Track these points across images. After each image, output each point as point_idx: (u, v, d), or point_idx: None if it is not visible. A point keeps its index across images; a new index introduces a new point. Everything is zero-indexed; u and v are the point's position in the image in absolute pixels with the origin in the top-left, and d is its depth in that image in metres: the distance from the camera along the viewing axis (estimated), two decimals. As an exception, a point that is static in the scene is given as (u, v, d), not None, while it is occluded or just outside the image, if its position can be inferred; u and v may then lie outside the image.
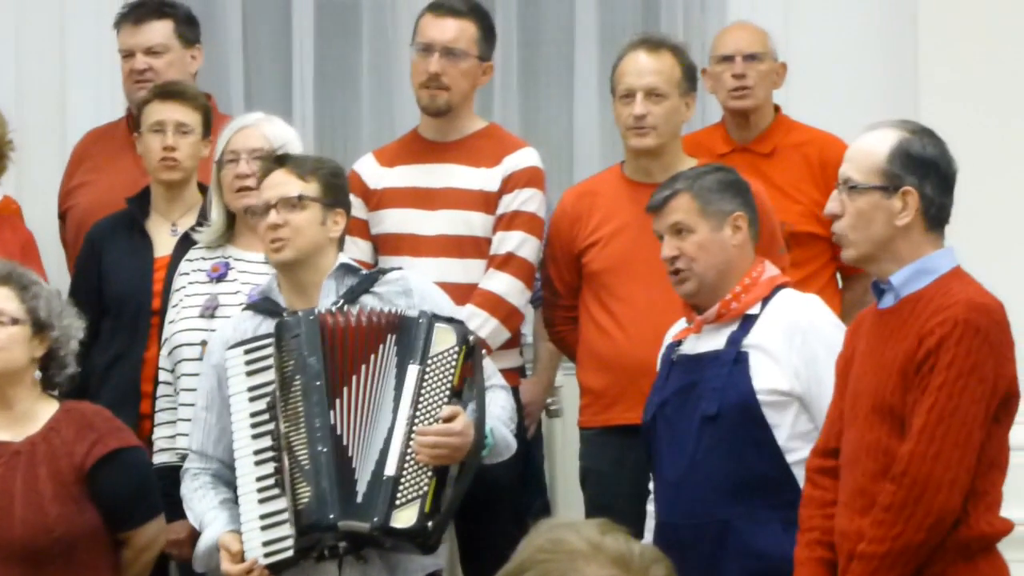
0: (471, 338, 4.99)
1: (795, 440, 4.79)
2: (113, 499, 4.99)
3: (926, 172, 4.45)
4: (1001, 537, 4.45)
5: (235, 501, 4.93)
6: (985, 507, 4.42)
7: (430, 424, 4.86)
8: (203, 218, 5.63)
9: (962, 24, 6.86)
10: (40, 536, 4.90)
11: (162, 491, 5.19)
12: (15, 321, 4.90)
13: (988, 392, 4.38)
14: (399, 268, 5.25)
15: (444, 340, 4.93)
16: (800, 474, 4.71)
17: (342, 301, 4.96)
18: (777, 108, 6.21)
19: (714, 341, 4.86)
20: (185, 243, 5.58)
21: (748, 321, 4.85)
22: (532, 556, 2.15)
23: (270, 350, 4.93)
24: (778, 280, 4.89)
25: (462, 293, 5.35)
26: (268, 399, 4.94)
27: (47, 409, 4.99)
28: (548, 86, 7.24)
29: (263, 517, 4.83)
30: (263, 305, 5.04)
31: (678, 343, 4.98)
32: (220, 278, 5.46)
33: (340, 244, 5.28)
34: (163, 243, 5.64)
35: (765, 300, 4.85)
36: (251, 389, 4.97)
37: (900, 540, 4.35)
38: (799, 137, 6.14)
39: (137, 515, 5.04)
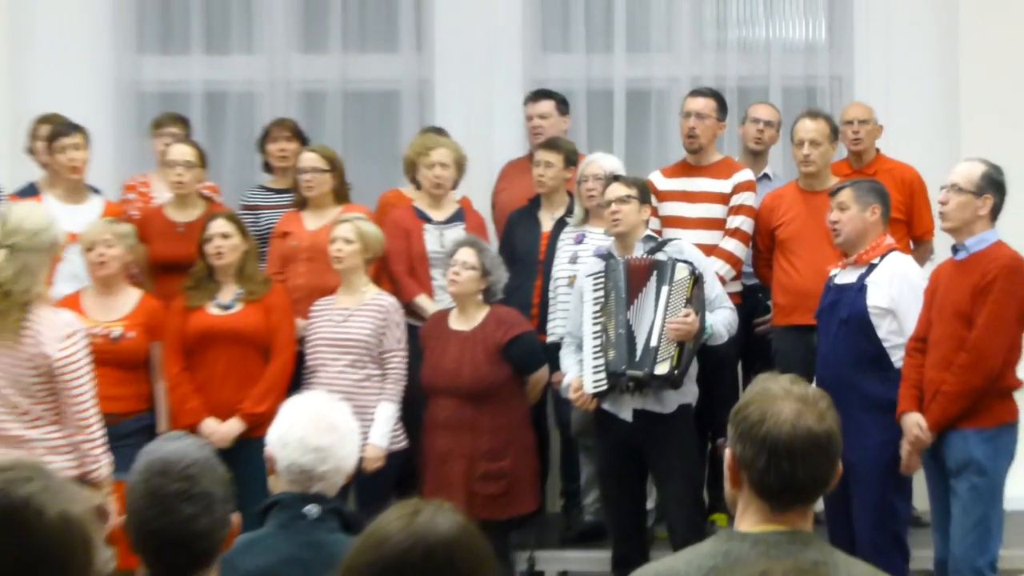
0: (697, 272, 5.42)
1: (891, 335, 5.28)
2: (519, 359, 5.78)
3: (999, 184, 5.06)
4: (1017, 388, 5.16)
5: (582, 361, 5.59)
6: (1011, 372, 5.09)
7: (674, 317, 5.39)
8: (570, 211, 6.34)
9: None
10: (479, 383, 5.71)
11: (548, 355, 5.92)
12: (474, 268, 5.72)
13: (1019, 307, 5.01)
14: (678, 239, 5.78)
15: (681, 272, 5.41)
16: (892, 353, 5.28)
17: (645, 255, 5.52)
18: (877, 150, 6.58)
19: (851, 276, 5.33)
20: (558, 225, 6.32)
21: (872, 267, 5.30)
22: (751, 397, 2.47)
23: (603, 278, 5.56)
24: (892, 246, 5.40)
25: (707, 250, 5.88)
26: (600, 304, 5.56)
27: (484, 312, 5.80)
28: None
29: (594, 369, 5.48)
30: (606, 255, 5.59)
31: (833, 277, 5.44)
32: (579, 241, 6.12)
33: (647, 223, 5.71)
34: (547, 225, 6.39)
35: (883, 256, 5.33)
36: (595, 300, 5.56)
37: (967, 384, 4.98)
38: (889, 165, 6.43)
39: (533, 366, 5.85)
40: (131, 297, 5.83)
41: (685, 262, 5.38)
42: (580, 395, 5.47)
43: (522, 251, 6.26)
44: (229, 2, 7.67)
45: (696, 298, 5.36)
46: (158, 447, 2.68)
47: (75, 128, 6.30)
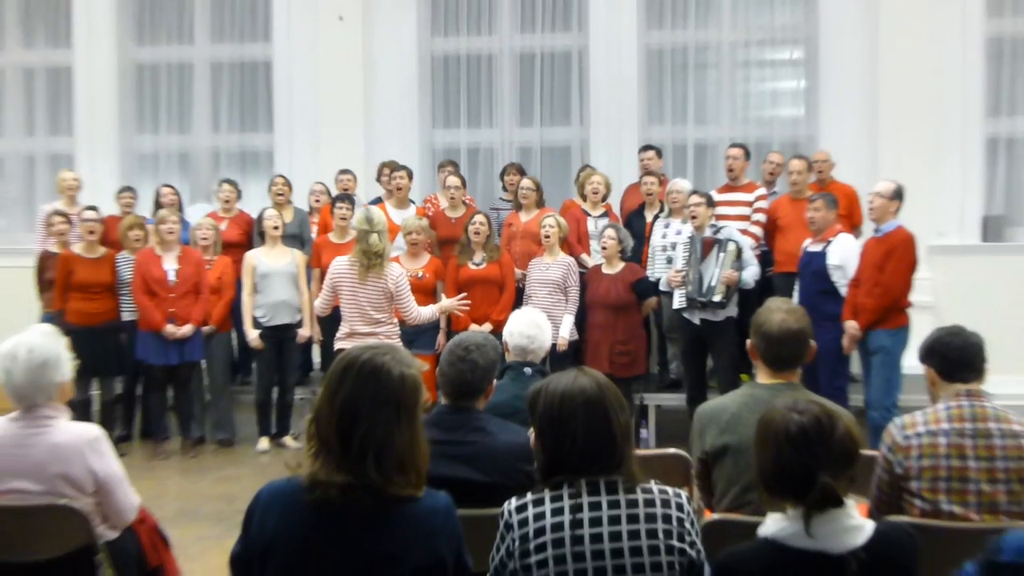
0: (740, 247, 5.46)
1: (839, 279, 5.25)
2: (640, 290, 5.72)
3: (902, 195, 5.12)
4: (908, 307, 5.12)
5: None
6: (904, 298, 5.11)
7: (726, 271, 5.35)
8: (661, 211, 6.19)
9: None
10: (618, 302, 5.66)
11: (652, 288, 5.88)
12: (615, 240, 5.61)
13: (910, 263, 5.07)
14: (727, 226, 5.63)
15: (731, 247, 5.44)
16: (842, 289, 5.22)
17: (712, 235, 5.48)
18: (832, 177, 6.55)
19: (818, 247, 5.39)
20: (655, 219, 6.10)
21: (829, 242, 5.33)
22: (760, 311, 2.50)
23: (689, 246, 5.50)
24: (840, 230, 5.42)
25: (740, 232, 5.75)
26: (686, 259, 5.45)
27: (621, 264, 5.60)
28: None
29: (680, 295, 5.55)
30: (692, 234, 5.48)
31: (806, 246, 5.43)
32: (667, 227, 6.00)
33: (712, 217, 5.48)
34: (649, 218, 6.19)
35: (835, 236, 5.34)
36: (684, 258, 5.52)
37: (880, 305, 4.99)
38: (839, 186, 6.44)
39: (647, 294, 5.76)
40: (426, 257, 6.11)
41: (734, 241, 5.61)
42: (673, 280, 5.64)
43: (637, 233, 6.39)
44: (480, 95, 7.97)
45: (737, 262, 5.55)
46: (460, 335, 2.76)
47: (403, 167, 6.72)
